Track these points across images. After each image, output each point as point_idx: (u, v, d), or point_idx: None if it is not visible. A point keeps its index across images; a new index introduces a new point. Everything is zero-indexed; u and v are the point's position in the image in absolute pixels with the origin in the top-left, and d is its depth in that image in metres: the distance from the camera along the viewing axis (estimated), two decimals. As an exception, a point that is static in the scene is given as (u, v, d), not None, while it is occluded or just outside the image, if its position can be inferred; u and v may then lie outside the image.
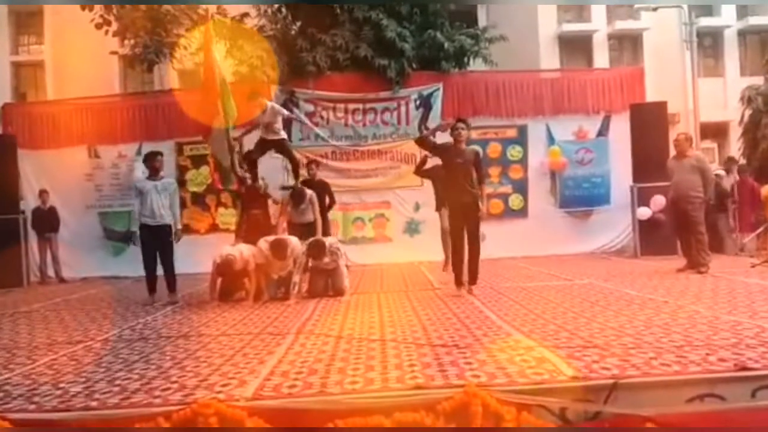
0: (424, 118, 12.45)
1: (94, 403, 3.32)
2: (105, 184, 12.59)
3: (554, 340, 4.25)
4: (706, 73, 22.92)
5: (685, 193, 8.21)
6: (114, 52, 12.69)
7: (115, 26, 10.51)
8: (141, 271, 7.84)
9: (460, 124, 7.03)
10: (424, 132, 9.34)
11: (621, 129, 11.89)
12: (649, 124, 11.01)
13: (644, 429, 3.03)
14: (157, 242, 7.63)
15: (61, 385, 3.75)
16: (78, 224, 12.58)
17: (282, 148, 8.77)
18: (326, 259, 7.36)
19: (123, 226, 12.17)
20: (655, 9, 20.27)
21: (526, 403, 3.07)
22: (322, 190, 9.28)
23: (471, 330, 4.82)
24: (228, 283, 7.52)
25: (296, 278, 7.26)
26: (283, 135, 8.71)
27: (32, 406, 3.33)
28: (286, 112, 8.54)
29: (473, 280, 7.03)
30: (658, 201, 10.53)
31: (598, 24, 23.47)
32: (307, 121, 12.12)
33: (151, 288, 7.69)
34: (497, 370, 3.52)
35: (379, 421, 3.03)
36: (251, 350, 4.49)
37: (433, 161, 8.51)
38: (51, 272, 12.03)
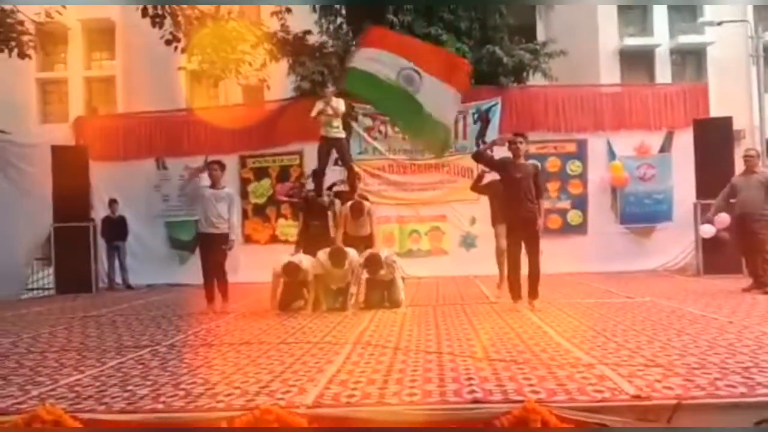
0: (481, 133, 12.44)
1: (160, 406, 3.41)
2: (172, 194, 13.03)
3: (615, 357, 4.18)
4: (772, 89, 22.13)
5: (752, 211, 7.97)
6: (182, 68, 13.14)
7: (183, 43, 10.89)
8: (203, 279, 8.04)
9: (518, 138, 7.00)
10: (481, 147, 9.31)
11: (684, 145, 11.62)
12: (714, 140, 10.72)
13: (708, 451, 2.98)
14: (213, 250, 7.75)
15: (129, 387, 3.86)
16: (145, 233, 13.06)
17: (341, 148, 8.85)
18: (383, 272, 7.42)
19: (188, 235, 12.50)
20: (720, 23, 19.75)
21: (586, 420, 3.04)
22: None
23: (529, 345, 4.78)
24: (287, 293, 7.65)
25: (353, 289, 7.35)
26: (343, 134, 8.83)
27: (101, 407, 3.43)
28: (343, 108, 8.63)
29: (534, 294, 6.93)
30: (722, 218, 10.20)
31: (661, 38, 22.97)
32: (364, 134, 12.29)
33: (209, 297, 7.81)
34: (557, 386, 3.49)
35: (437, 434, 3.06)
36: (310, 358, 4.56)
37: (490, 177, 8.47)
38: (119, 279, 12.47)
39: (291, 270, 7.19)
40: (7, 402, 3.61)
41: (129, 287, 12.29)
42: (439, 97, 7.55)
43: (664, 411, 3.08)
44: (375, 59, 7.64)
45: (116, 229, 12.45)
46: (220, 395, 3.58)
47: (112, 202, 12.59)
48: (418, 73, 7.53)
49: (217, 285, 7.81)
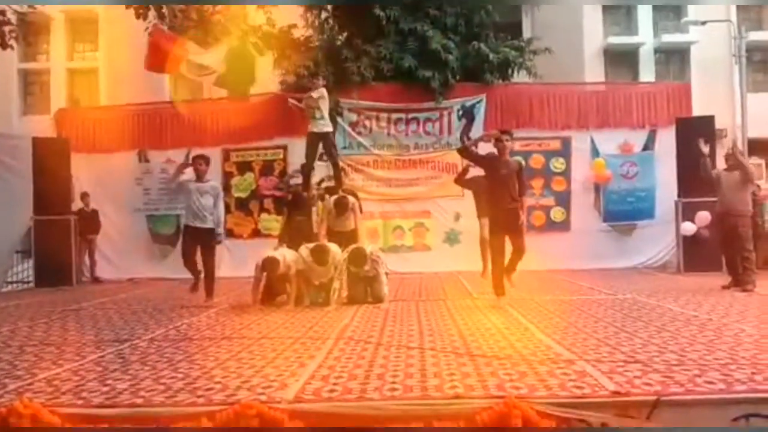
0: (466, 129, 12.45)
1: (139, 401, 3.41)
2: (153, 188, 12.91)
3: (595, 354, 4.22)
4: (755, 88, 22.30)
5: (734, 208, 8.05)
6: (165, 60, 13.01)
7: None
8: (186, 273, 8.01)
9: (505, 136, 7.04)
10: (467, 142, 9.34)
11: (667, 143, 11.71)
12: (696, 139, 10.77)
13: (686, 447, 3.01)
14: (198, 244, 7.76)
15: (108, 381, 3.84)
16: (126, 226, 12.93)
17: (327, 141, 8.85)
18: (366, 267, 7.42)
19: (170, 229, 12.44)
20: (703, 23, 19.90)
21: (566, 416, 3.06)
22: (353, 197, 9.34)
23: (511, 341, 4.80)
24: (270, 287, 7.64)
25: (336, 285, 7.33)
26: (330, 128, 8.82)
27: (80, 402, 3.42)
28: (324, 99, 8.63)
29: (511, 270, 7.03)
30: (703, 216, 10.34)
31: (645, 37, 23.08)
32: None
33: (193, 287, 7.85)
34: (537, 382, 3.52)
35: (417, 429, 3.06)
36: (292, 354, 4.56)
37: (474, 171, 8.51)
38: (87, 272, 12.41)
39: (272, 265, 7.15)
40: (-17, 396, 3.56)
41: (96, 280, 12.22)
42: None
43: (643, 407, 3.11)
44: None
45: (89, 222, 12.32)
46: (201, 390, 3.58)
47: (84, 195, 12.44)
48: None
49: (204, 280, 7.82)
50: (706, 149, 8.62)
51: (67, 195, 11.93)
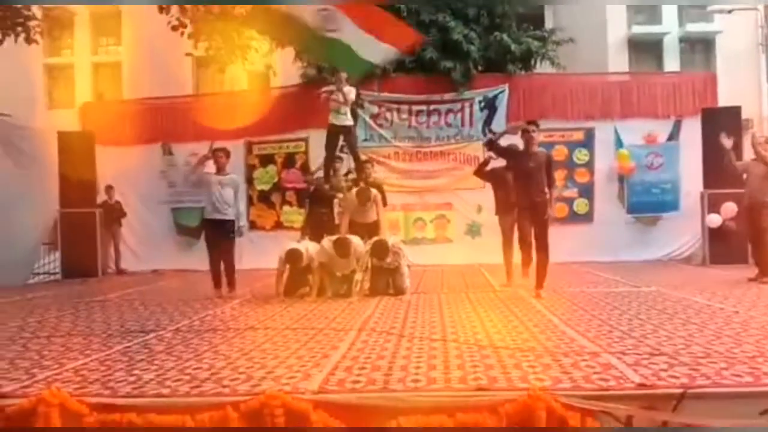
0: (488, 121, 12.38)
1: (165, 391, 3.44)
2: (177, 180, 13.01)
3: (620, 346, 4.18)
4: (781, 78, 21.92)
5: (762, 200, 7.91)
6: (188, 54, 13.08)
7: (190, 28, 10.84)
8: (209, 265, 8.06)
9: (532, 127, 6.95)
10: (492, 135, 9.25)
11: (692, 134, 11.56)
12: (722, 129, 10.60)
13: (714, 440, 2.98)
14: (219, 236, 7.80)
15: (135, 371, 3.89)
16: (151, 219, 13.09)
17: (348, 135, 8.85)
18: (388, 259, 7.43)
19: (194, 221, 12.53)
20: (729, 12, 19.53)
21: (591, 409, 3.04)
22: (377, 191, 9.32)
23: (534, 334, 4.78)
24: (293, 279, 7.68)
25: (358, 276, 7.36)
26: (351, 121, 8.81)
27: (107, 391, 3.46)
28: (353, 96, 8.64)
29: (540, 284, 6.94)
30: (729, 208, 10.20)
31: (670, 26, 22.74)
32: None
33: (216, 282, 7.88)
34: (562, 374, 3.50)
35: (441, 421, 3.05)
36: (316, 344, 4.58)
37: (495, 163, 8.41)
38: (112, 264, 12.59)
39: (295, 257, 7.20)
40: (13, 385, 3.63)
41: (121, 272, 12.40)
42: (360, 40, 7.81)
43: (669, 400, 3.08)
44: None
45: (113, 214, 12.49)
46: (226, 380, 3.60)
47: (109, 188, 12.63)
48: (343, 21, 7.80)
49: (225, 271, 7.84)
50: (728, 143, 8.48)
51: (92, 188, 12.12)
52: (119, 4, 20.78)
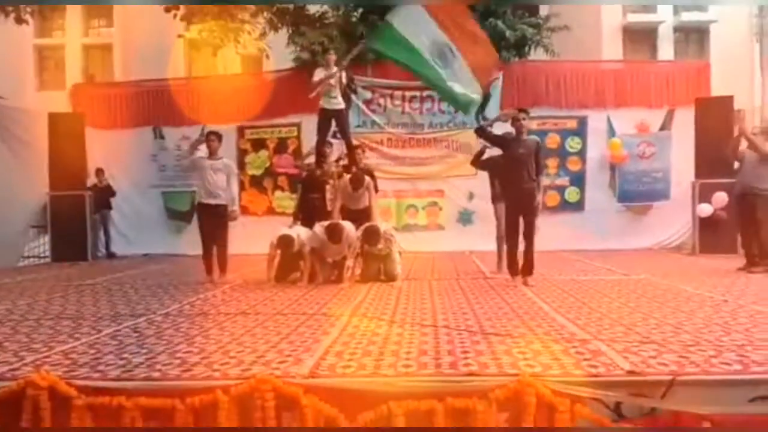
0: (482, 107, 12.32)
1: (155, 374, 3.44)
2: (168, 164, 12.96)
3: (610, 334, 4.20)
4: (775, 68, 21.96)
5: (755, 186, 7.94)
6: (181, 36, 12.97)
7: (182, 10, 10.73)
8: (201, 250, 8.03)
9: (522, 114, 6.97)
10: (484, 122, 9.21)
11: (684, 123, 11.57)
12: (714, 119, 10.66)
13: (701, 428, 3.00)
14: (212, 221, 7.77)
15: (124, 355, 3.88)
16: (142, 203, 13.03)
17: (340, 119, 8.79)
18: (380, 245, 7.42)
19: (185, 205, 12.48)
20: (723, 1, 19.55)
21: (580, 395, 3.06)
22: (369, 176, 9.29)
23: (524, 320, 4.79)
24: (284, 265, 7.67)
25: (350, 262, 7.35)
26: (343, 105, 8.74)
27: (96, 374, 3.45)
28: (344, 78, 8.59)
29: (528, 271, 6.97)
30: (720, 198, 10.24)
31: (664, 15, 22.74)
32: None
33: (208, 267, 7.84)
34: (552, 361, 3.51)
35: (431, 405, 3.07)
36: (306, 329, 4.57)
37: (490, 152, 8.40)
38: (102, 247, 12.55)
39: (286, 242, 7.19)
40: (2, 368, 3.61)
41: (111, 255, 12.36)
42: (464, 79, 7.79)
43: (658, 387, 3.10)
44: (415, 21, 7.68)
45: (103, 197, 12.42)
46: (216, 364, 3.60)
47: (99, 171, 12.56)
48: (452, 53, 7.67)
49: (217, 256, 7.82)
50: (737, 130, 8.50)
51: (83, 170, 12.03)
52: (116, 3, 20.54)
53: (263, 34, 11.94)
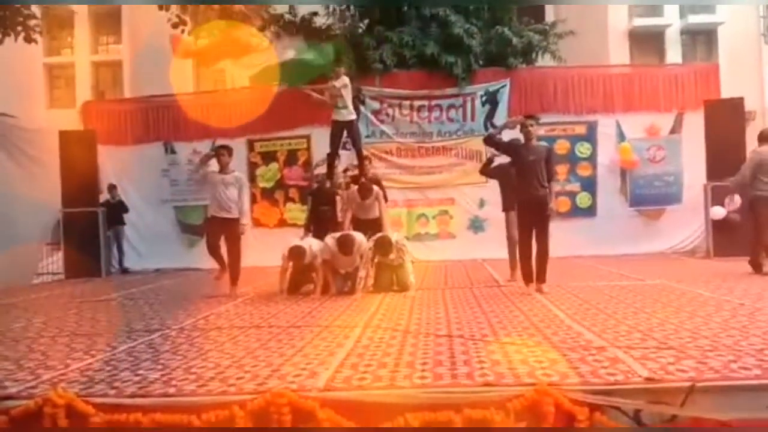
0: (490, 115, 12.35)
1: (171, 390, 3.43)
2: (180, 179, 13.00)
3: (627, 340, 4.16)
4: (784, 69, 21.87)
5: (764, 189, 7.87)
6: (187, 56, 13.06)
7: (190, 25, 10.82)
8: (214, 264, 8.04)
9: (530, 121, 6.94)
10: (492, 130, 9.21)
11: (694, 126, 11.51)
12: (725, 121, 10.61)
13: (723, 435, 2.96)
14: (223, 234, 7.76)
15: (140, 371, 3.88)
16: (154, 218, 13.09)
17: (352, 130, 8.84)
18: (392, 255, 7.41)
19: (197, 219, 12.50)
20: (731, 2, 19.49)
21: (599, 403, 3.03)
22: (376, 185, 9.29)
23: (540, 328, 4.76)
24: (296, 277, 7.67)
25: (362, 273, 7.34)
26: (354, 116, 8.79)
27: (113, 391, 3.45)
28: (348, 87, 8.64)
29: (542, 278, 6.92)
30: (734, 200, 10.15)
31: (671, 18, 22.69)
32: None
33: (218, 275, 7.90)
34: (569, 369, 3.48)
35: (448, 417, 3.04)
36: (321, 342, 4.56)
37: (499, 160, 8.39)
38: (115, 263, 12.61)
39: (298, 254, 7.18)
40: (19, 386, 3.62)
41: (125, 271, 12.41)
42: None
43: (678, 393, 3.06)
44: None
45: (116, 213, 12.50)
46: (231, 379, 3.59)
47: (112, 187, 12.65)
48: None
49: (229, 269, 7.83)
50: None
51: (95, 187, 12.09)
52: (119, 3, 20.75)
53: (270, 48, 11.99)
